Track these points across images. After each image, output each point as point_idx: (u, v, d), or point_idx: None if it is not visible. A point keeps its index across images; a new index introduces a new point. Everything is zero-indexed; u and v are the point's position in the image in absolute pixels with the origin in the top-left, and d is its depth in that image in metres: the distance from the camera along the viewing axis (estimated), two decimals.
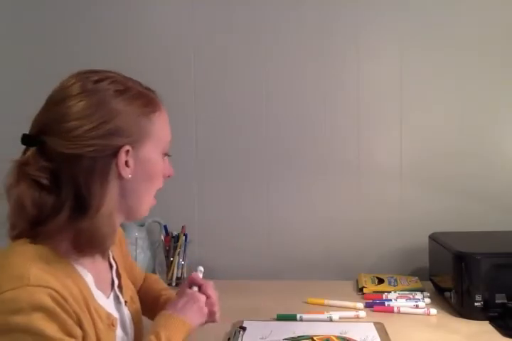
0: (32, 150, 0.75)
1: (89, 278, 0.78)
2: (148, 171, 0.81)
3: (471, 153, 1.54)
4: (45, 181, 0.73)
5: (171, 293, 1.03)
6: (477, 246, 1.30)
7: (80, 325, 0.71)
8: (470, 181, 1.54)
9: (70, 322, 0.69)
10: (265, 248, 1.59)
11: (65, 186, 0.74)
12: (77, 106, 0.75)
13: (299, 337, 1.10)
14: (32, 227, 0.73)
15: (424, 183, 1.56)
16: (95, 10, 1.61)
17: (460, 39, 1.53)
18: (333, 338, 1.08)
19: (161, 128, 0.83)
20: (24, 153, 0.76)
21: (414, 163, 1.56)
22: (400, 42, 1.55)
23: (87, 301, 0.74)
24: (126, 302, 0.88)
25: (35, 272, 0.68)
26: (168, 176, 0.87)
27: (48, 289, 0.67)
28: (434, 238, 1.41)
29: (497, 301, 1.18)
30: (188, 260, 1.50)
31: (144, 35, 1.61)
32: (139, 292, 1.02)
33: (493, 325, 1.15)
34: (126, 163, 0.77)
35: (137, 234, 1.49)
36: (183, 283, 0.97)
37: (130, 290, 0.93)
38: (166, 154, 0.86)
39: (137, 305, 0.94)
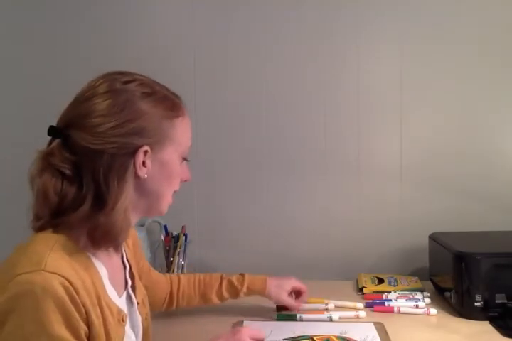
0: (57, 142, 0.78)
1: (103, 272, 0.79)
2: (166, 173, 0.84)
3: (471, 153, 1.54)
4: (67, 172, 0.76)
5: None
6: (477, 246, 1.30)
7: (88, 318, 0.71)
8: (470, 181, 1.54)
9: (76, 316, 0.69)
10: (265, 248, 1.59)
11: (85, 179, 0.76)
12: (104, 104, 0.78)
13: (299, 337, 1.10)
14: (54, 217, 0.75)
15: (424, 183, 1.56)
16: (95, 10, 1.61)
17: (460, 39, 1.53)
18: (333, 338, 1.08)
19: (182, 133, 0.86)
20: (49, 144, 0.79)
21: (414, 163, 1.56)
22: (400, 42, 1.55)
23: (99, 295, 0.75)
24: (138, 303, 0.89)
25: (53, 259, 0.70)
26: (185, 180, 0.91)
27: (62, 278, 0.68)
28: (434, 238, 1.41)
29: (497, 301, 1.18)
30: (188, 260, 1.49)
31: (144, 35, 1.61)
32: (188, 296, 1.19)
33: (493, 325, 1.15)
34: (144, 163, 0.80)
35: (137, 234, 1.49)
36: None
37: (142, 293, 0.94)
38: (184, 159, 0.89)
39: (147, 309, 0.95)
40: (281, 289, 1.24)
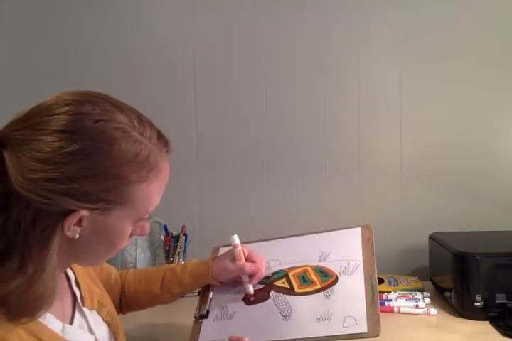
0: None
1: (48, 321, 0.68)
2: (108, 236, 0.68)
3: (471, 153, 1.54)
4: None
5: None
6: (477, 246, 1.30)
7: None
8: (470, 181, 1.54)
9: None
10: None
11: (10, 227, 0.61)
12: (50, 145, 0.60)
13: (273, 274, 1.02)
14: None
15: (424, 183, 1.56)
16: (95, 10, 1.61)
17: (460, 39, 1.53)
18: (310, 270, 1.01)
19: (142, 199, 0.67)
20: None
21: (415, 162, 1.56)
22: (399, 43, 1.55)
23: None
24: (94, 309, 0.81)
25: None
26: (140, 235, 0.74)
27: None
28: (434, 238, 1.40)
29: (497, 301, 1.17)
30: None
31: (144, 35, 1.61)
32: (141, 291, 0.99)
33: (493, 325, 1.15)
34: (79, 222, 0.64)
35: None
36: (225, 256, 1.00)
37: (96, 294, 0.83)
38: (141, 219, 0.71)
39: (108, 306, 0.86)
40: (222, 260, 1.02)
